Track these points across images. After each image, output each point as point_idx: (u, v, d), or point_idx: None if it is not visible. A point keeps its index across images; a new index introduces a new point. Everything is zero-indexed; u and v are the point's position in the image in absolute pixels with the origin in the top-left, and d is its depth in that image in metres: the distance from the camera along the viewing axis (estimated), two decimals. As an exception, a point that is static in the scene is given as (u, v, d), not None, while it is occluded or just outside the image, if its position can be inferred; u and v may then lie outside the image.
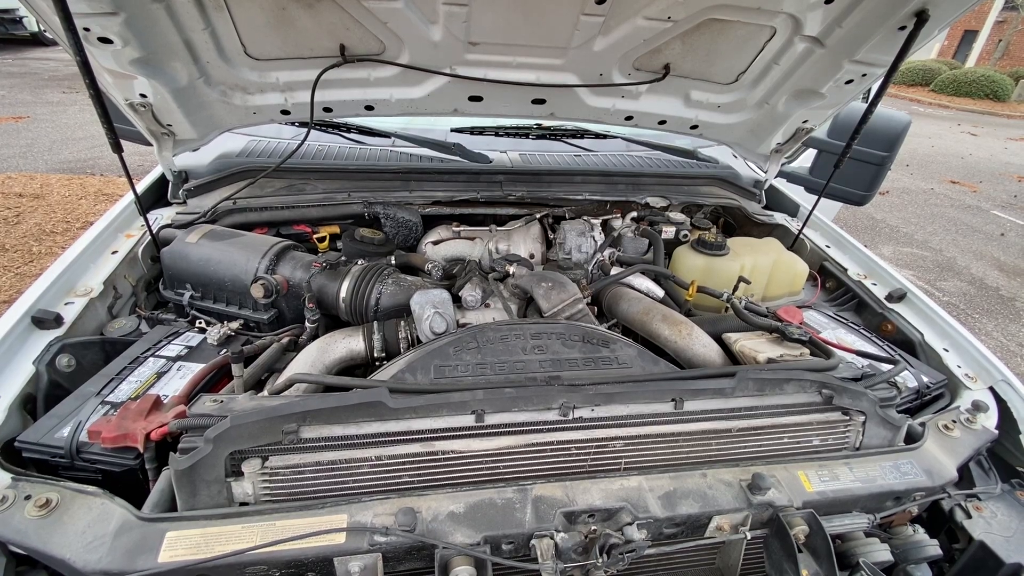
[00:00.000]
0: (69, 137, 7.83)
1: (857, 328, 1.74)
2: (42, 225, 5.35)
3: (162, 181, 2.15)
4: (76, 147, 7.47)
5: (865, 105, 1.80)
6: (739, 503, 1.08)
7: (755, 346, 1.45)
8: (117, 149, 1.51)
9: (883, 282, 1.96)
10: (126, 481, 1.15)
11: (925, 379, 1.52)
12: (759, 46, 1.83)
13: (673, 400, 1.17)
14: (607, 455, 1.14)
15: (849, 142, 1.84)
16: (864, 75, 1.83)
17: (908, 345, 1.72)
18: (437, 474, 1.08)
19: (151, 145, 1.92)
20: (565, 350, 1.30)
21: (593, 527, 0.99)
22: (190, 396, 1.27)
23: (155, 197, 2.17)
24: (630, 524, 1.00)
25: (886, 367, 1.46)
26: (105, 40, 1.45)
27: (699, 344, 1.48)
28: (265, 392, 1.22)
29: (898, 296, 1.85)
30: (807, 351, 1.43)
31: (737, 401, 1.22)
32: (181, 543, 0.93)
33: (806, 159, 3.61)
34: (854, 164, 2.65)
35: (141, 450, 1.11)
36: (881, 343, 1.65)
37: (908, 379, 1.49)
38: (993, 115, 17.59)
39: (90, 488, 1.04)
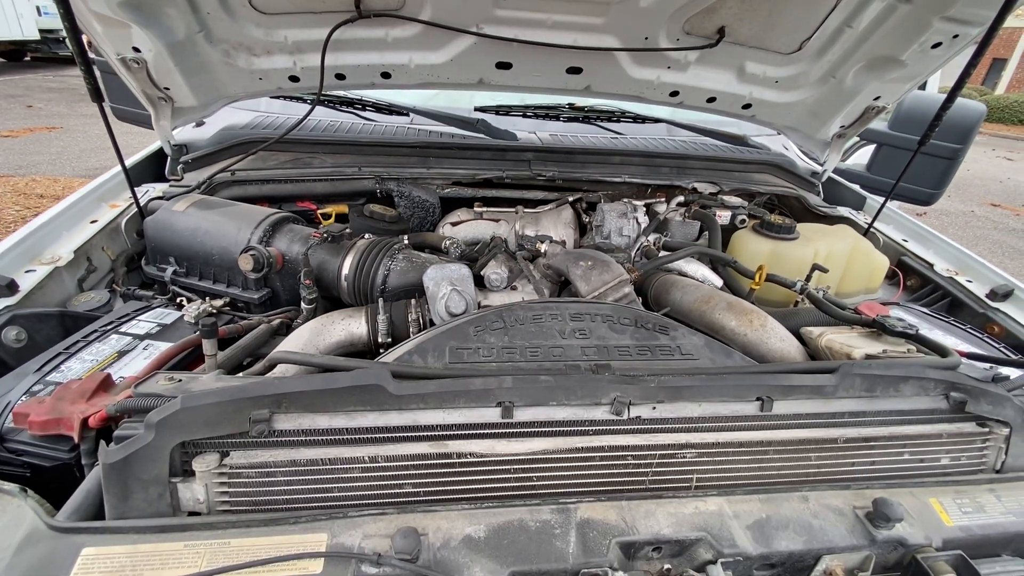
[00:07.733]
0: (98, 147, 7.92)
1: (961, 327, 1.43)
2: (58, 225, 5.31)
3: (159, 156, 1.97)
4: (104, 156, 7.46)
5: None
6: (857, 539, 0.80)
7: (847, 340, 1.16)
8: (96, 97, 1.32)
9: (981, 278, 1.66)
10: (61, 479, 0.92)
11: (1058, 390, 1.22)
12: (830, 4, 1.59)
13: (759, 399, 0.90)
14: (674, 468, 0.86)
15: (933, 123, 1.57)
16: (956, 36, 1.58)
17: (1022, 351, 1.42)
18: (450, 484, 0.81)
19: (150, 113, 1.74)
20: (614, 335, 1.03)
21: (665, 565, 0.72)
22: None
23: (152, 174, 1.99)
24: (712, 563, 0.73)
25: (1013, 372, 1.16)
26: (88, -27, 1.28)
27: (775, 337, 1.20)
28: (240, 376, 0.98)
29: (1003, 293, 1.54)
30: (914, 348, 1.14)
31: (840, 404, 0.94)
32: (100, 564, 0.68)
33: (860, 157, 3.30)
34: (921, 158, 2.38)
35: (76, 439, 0.87)
36: (996, 344, 1.35)
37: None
38: (1028, 141, 17.01)
39: (7, 486, 0.81)
